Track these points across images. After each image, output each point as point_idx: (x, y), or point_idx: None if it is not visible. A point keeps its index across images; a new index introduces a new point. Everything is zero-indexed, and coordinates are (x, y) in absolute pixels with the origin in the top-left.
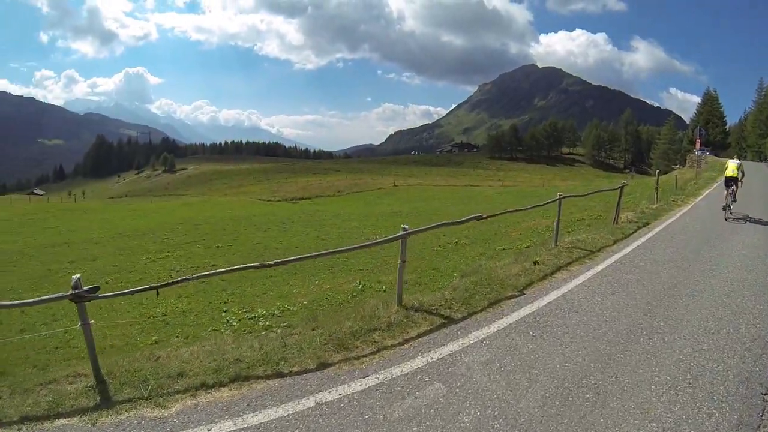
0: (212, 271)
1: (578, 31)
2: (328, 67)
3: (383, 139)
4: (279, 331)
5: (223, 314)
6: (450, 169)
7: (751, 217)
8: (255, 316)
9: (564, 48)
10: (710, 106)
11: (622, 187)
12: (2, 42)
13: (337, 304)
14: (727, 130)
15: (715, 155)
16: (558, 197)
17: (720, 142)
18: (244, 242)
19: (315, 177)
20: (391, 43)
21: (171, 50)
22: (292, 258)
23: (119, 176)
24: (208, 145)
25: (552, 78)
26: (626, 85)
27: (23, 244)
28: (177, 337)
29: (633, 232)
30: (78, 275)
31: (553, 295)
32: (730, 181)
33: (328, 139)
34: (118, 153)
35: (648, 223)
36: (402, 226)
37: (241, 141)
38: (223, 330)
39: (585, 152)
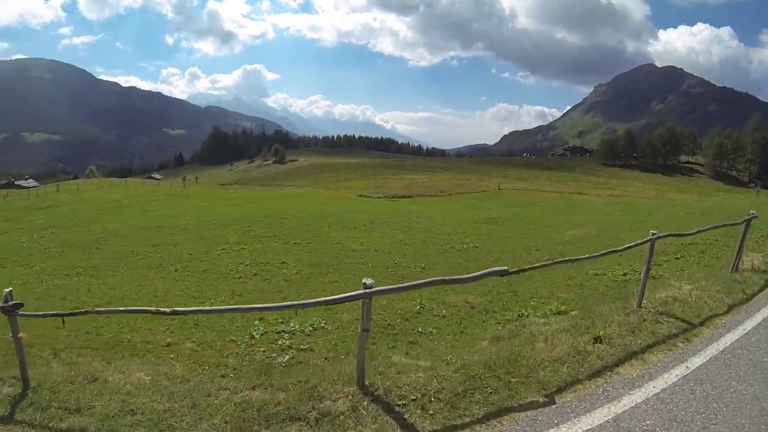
0: (114, 309)
1: (700, 26)
2: (441, 64)
3: (497, 140)
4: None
5: (256, 322)
6: (560, 173)
7: None
8: (283, 331)
9: (684, 45)
10: None
11: (748, 221)
12: (133, 45)
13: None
14: None
15: None
16: (651, 237)
17: None
18: (325, 240)
19: (422, 175)
20: (504, 41)
21: (287, 48)
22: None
23: (231, 164)
24: (320, 138)
25: (672, 79)
26: (755, 86)
27: (121, 225)
28: (193, 341)
29: (760, 291)
30: (9, 289)
31: (600, 417)
32: None
33: (443, 136)
34: (232, 143)
35: None
36: (364, 283)
37: (353, 135)
38: (239, 342)
39: (705, 162)
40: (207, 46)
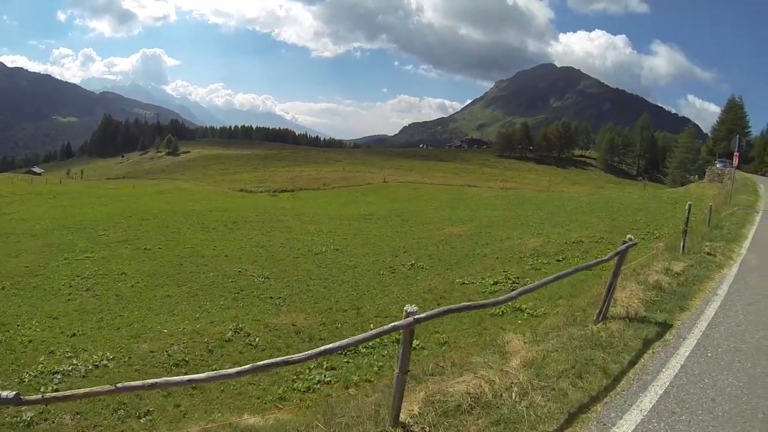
0: None
1: (598, 32)
2: (345, 56)
3: (397, 131)
4: None
5: (42, 358)
6: (456, 165)
7: None
8: (57, 371)
9: (582, 49)
10: (734, 115)
11: (620, 255)
12: (21, 19)
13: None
14: (750, 141)
15: (737, 169)
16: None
17: (742, 156)
18: (178, 244)
19: (312, 167)
20: (409, 35)
21: (189, 32)
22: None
23: (123, 156)
24: (218, 128)
25: (570, 78)
26: (644, 90)
27: None
28: None
29: (632, 360)
30: None
31: None
32: None
33: (343, 127)
34: (125, 132)
35: (667, 325)
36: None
37: (251, 126)
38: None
39: (597, 156)
40: (103, 26)
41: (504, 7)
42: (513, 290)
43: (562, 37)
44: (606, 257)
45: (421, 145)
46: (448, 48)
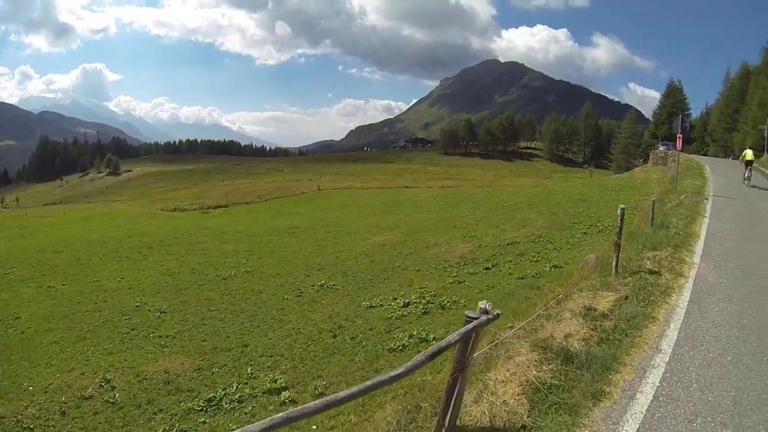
0: None
1: (539, 27)
2: (289, 62)
3: (344, 135)
4: None
5: None
6: (399, 166)
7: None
8: None
9: (525, 43)
10: (674, 98)
11: (465, 339)
12: None
13: None
14: (691, 123)
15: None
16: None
17: (685, 137)
18: (85, 277)
19: (252, 179)
20: (352, 38)
21: (130, 45)
22: None
23: (62, 180)
24: (162, 144)
25: (514, 73)
26: (587, 80)
27: None
28: None
29: None
30: None
31: None
32: (748, 163)
33: (290, 135)
34: (63, 154)
35: None
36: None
37: (196, 139)
38: None
39: (543, 147)
40: (40, 41)
41: (446, 6)
42: (425, 312)
43: (504, 33)
44: (445, 342)
45: (365, 148)
46: (392, 49)
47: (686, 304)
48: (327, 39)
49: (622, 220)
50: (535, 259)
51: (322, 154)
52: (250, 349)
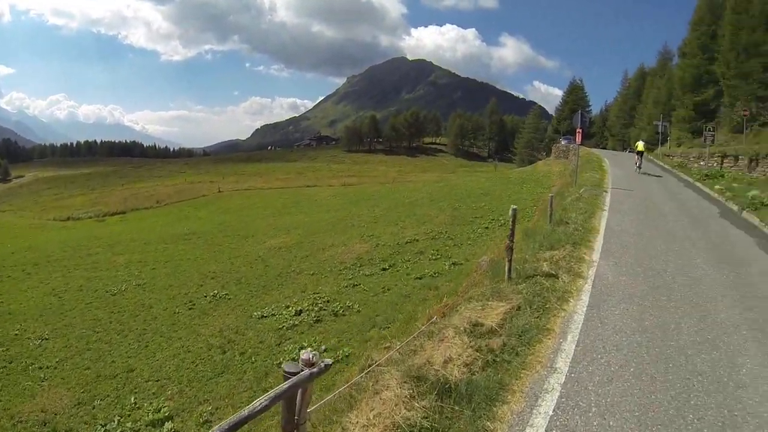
0: None
1: (449, 26)
2: (195, 58)
3: (250, 134)
4: None
5: None
6: (303, 164)
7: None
8: None
9: (434, 42)
10: (576, 96)
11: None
12: None
13: None
14: (591, 119)
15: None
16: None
17: (584, 131)
18: None
19: (153, 182)
20: (261, 34)
21: (25, 36)
22: None
23: None
24: (58, 146)
25: (421, 71)
26: (493, 78)
27: None
28: None
29: None
30: None
31: None
32: (640, 153)
33: (195, 135)
34: None
35: None
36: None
37: (95, 140)
38: None
39: (448, 142)
40: None
41: (357, 3)
42: (318, 320)
43: (414, 31)
44: (247, 411)
45: (269, 147)
46: (301, 46)
47: (585, 309)
48: (235, 35)
49: (513, 222)
50: (434, 257)
51: (227, 154)
52: (135, 374)
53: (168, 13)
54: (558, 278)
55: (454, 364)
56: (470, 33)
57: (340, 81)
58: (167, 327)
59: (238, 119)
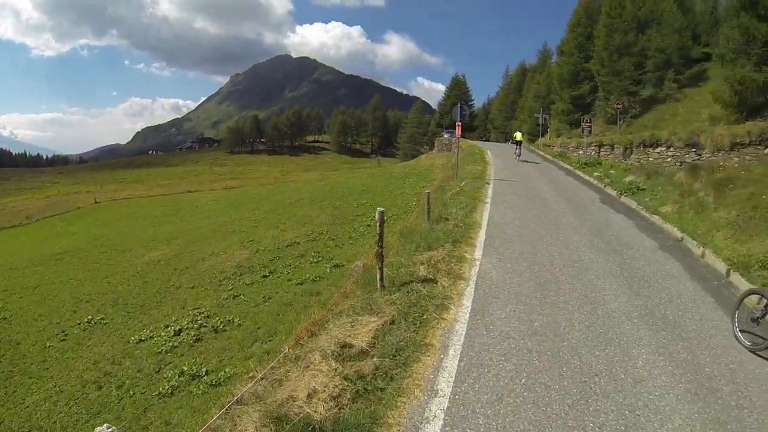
0: None
1: (334, 23)
2: (70, 54)
3: (130, 138)
4: None
5: None
6: (185, 168)
7: (527, 160)
8: None
9: (319, 40)
10: (458, 90)
11: None
12: None
13: None
14: (474, 113)
15: (463, 137)
16: None
17: (467, 124)
18: None
19: (23, 195)
20: (142, 29)
21: None
22: None
23: None
24: None
25: (305, 68)
26: (378, 75)
27: None
28: None
29: None
30: None
31: None
32: (518, 143)
33: (72, 140)
34: None
35: None
36: None
37: None
38: None
39: (331, 139)
40: None
41: None
42: (198, 339)
43: (299, 28)
44: None
45: (150, 152)
46: (184, 42)
47: (467, 316)
48: (114, 29)
49: (381, 226)
50: (315, 260)
51: (106, 160)
52: (3, 428)
53: (39, 1)
54: (437, 283)
55: (320, 398)
56: (356, 30)
57: (223, 80)
58: (37, 365)
59: (117, 122)
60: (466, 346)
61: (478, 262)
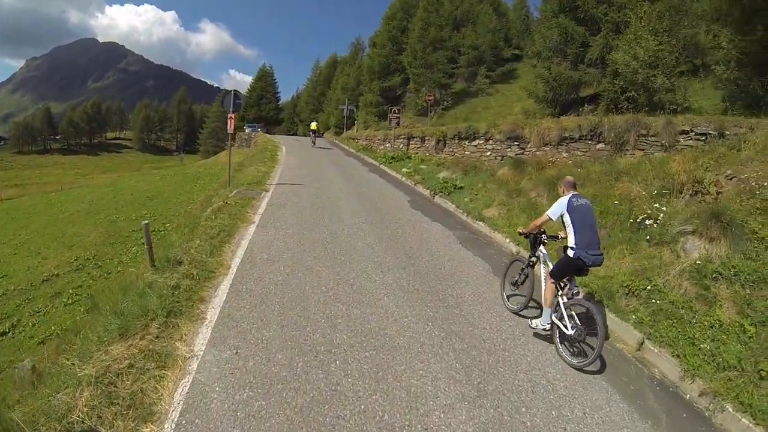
0: None
1: (147, 6)
2: None
3: None
4: None
5: None
6: None
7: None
8: None
9: (129, 23)
10: (265, 82)
11: None
12: None
13: None
14: (280, 105)
15: (267, 131)
16: None
17: (273, 117)
18: None
19: None
20: None
21: None
22: None
23: None
24: None
25: (112, 55)
26: (190, 65)
27: None
28: None
29: None
30: None
31: None
32: (314, 132)
33: None
34: None
35: None
36: None
37: None
38: None
39: (133, 136)
40: None
41: None
42: None
43: (108, 9)
44: None
45: None
46: None
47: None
48: None
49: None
50: (71, 300)
51: None
52: None
53: None
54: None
55: None
56: (169, 16)
57: (18, 63)
58: None
59: None
60: None
61: (193, 368)
